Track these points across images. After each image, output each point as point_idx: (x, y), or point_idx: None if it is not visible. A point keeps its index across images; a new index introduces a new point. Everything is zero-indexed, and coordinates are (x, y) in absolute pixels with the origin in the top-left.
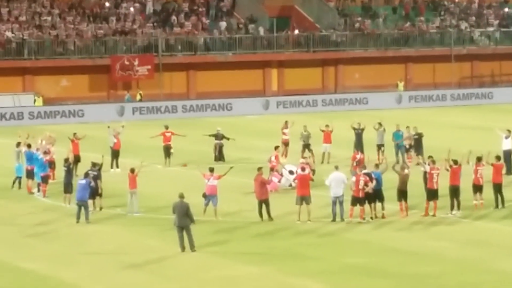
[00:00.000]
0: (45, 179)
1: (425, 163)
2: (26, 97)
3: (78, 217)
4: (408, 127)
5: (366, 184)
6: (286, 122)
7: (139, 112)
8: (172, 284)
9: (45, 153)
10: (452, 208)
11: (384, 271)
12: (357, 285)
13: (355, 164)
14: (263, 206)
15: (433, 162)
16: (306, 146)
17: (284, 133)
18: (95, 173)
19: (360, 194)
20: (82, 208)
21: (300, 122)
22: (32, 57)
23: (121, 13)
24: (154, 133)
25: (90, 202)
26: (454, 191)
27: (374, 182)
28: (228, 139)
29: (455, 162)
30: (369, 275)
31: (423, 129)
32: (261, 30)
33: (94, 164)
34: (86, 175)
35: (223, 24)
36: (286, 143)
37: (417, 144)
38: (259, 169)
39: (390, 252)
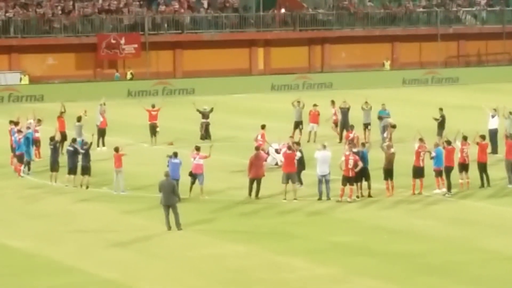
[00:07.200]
0: (20, 158)
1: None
2: (12, 76)
3: None
4: (441, 109)
5: (356, 164)
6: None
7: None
8: (158, 262)
9: (19, 131)
10: (449, 189)
11: (370, 249)
12: (343, 264)
13: (348, 143)
14: (255, 184)
15: (421, 140)
16: (298, 124)
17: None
18: (83, 151)
19: (350, 174)
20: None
21: (287, 101)
22: (18, 35)
23: None
24: (143, 108)
25: (71, 177)
26: (449, 172)
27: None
28: (212, 109)
29: (448, 143)
30: (355, 253)
31: (410, 108)
32: (248, 9)
33: (84, 143)
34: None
35: (205, 2)
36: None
37: (440, 125)
38: (257, 148)
39: (376, 231)
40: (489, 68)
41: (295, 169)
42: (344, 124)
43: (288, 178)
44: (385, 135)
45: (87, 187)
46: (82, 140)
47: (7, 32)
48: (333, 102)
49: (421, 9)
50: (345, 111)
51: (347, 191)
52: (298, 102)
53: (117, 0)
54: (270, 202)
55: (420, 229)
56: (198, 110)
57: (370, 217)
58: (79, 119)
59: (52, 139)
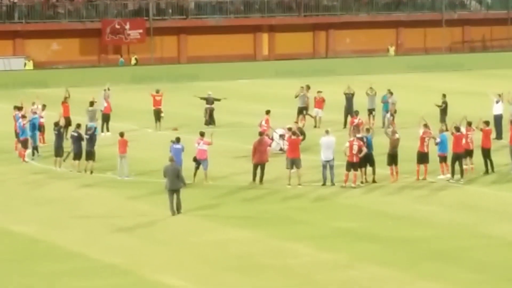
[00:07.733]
0: (24, 143)
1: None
2: (17, 61)
3: None
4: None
5: (360, 149)
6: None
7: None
8: (162, 248)
9: (23, 117)
10: (453, 175)
11: (374, 235)
12: (347, 249)
13: (352, 128)
14: (259, 169)
15: (426, 126)
16: (302, 109)
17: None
18: (87, 136)
19: (355, 159)
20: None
21: (291, 87)
22: (22, 20)
23: None
24: (147, 95)
25: (76, 163)
26: (457, 159)
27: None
28: (219, 100)
29: (457, 129)
30: (359, 239)
31: (414, 94)
32: None
33: (88, 128)
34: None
35: None
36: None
37: (443, 111)
38: (261, 133)
39: (380, 217)
40: (494, 54)
41: (299, 154)
42: (348, 110)
43: (292, 163)
44: (388, 115)
45: (91, 172)
46: (86, 125)
47: (11, 17)
48: (308, 87)
49: None
50: (349, 97)
51: (351, 176)
52: (302, 87)
53: None
54: (274, 188)
55: (424, 215)
56: (202, 98)
57: (374, 202)
58: (91, 104)
59: (56, 124)
